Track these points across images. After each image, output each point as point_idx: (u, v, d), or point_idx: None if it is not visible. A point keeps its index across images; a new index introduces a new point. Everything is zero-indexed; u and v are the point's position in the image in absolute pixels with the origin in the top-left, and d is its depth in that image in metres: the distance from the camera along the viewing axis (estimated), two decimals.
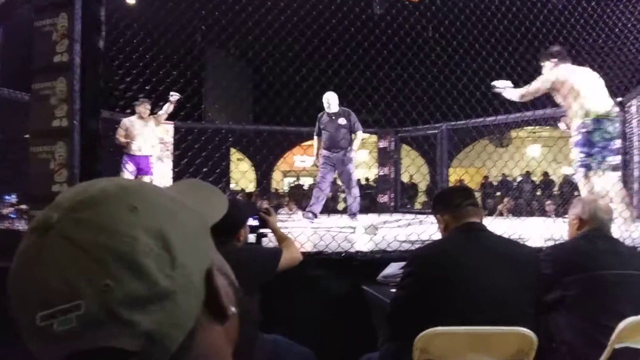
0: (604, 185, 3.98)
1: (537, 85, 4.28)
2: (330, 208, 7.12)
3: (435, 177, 8.59)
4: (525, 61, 5.14)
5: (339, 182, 7.06)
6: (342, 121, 5.75)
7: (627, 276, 2.05)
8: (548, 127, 11.65)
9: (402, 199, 9.69)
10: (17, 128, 5.11)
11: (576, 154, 4.00)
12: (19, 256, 0.45)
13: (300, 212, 8.14)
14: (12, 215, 5.64)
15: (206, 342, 0.48)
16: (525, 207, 9.30)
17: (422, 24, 5.65)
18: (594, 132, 3.95)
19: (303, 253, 2.52)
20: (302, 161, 15.07)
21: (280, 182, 15.01)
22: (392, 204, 8.88)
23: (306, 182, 14.94)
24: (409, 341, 1.72)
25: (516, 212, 8.57)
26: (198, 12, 5.78)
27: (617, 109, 4.23)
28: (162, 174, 6.94)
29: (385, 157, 8.96)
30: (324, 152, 5.78)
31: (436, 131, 8.13)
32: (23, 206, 5.51)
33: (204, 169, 5.71)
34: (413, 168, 5.48)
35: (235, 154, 11.53)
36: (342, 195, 9.59)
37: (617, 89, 6.14)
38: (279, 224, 2.67)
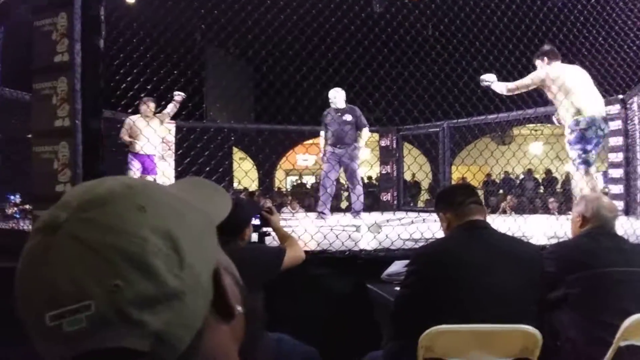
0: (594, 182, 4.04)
1: (526, 82, 4.40)
2: (333, 206, 7.13)
3: (438, 175, 8.58)
4: (525, 58, 5.12)
5: (342, 180, 7.08)
6: (347, 117, 5.78)
7: (631, 273, 2.05)
8: (550, 125, 11.62)
9: (405, 197, 9.67)
10: (19, 128, 5.11)
11: (573, 153, 4.03)
12: (26, 256, 0.45)
13: (302, 211, 8.16)
14: (16, 215, 5.65)
15: (213, 342, 0.48)
16: (528, 204, 9.29)
17: (422, 22, 5.64)
18: (588, 129, 3.99)
19: (307, 252, 2.52)
20: (304, 160, 15.05)
21: (283, 181, 14.99)
22: (395, 202, 8.87)
23: (309, 180, 14.92)
24: (413, 339, 1.71)
25: (519, 209, 8.55)
26: (197, 11, 5.78)
27: (606, 107, 4.28)
28: (164, 173, 6.93)
29: (387, 156, 8.94)
30: (329, 148, 5.82)
31: (438, 129, 8.11)
32: (27, 206, 5.52)
33: (207, 168, 5.71)
34: (415, 166, 5.48)
35: (237, 153, 11.52)
36: (345, 194, 9.59)
37: (619, 86, 6.12)
38: (282, 223, 2.67)
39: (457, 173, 10.05)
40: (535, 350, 1.70)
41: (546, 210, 8.37)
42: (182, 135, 7.53)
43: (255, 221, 2.59)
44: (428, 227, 3.94)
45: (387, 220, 5.83)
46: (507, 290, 1.82)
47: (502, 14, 5.21)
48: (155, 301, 0.42)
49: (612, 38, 5.70)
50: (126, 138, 6.01)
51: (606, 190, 6.74)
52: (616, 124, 6.57)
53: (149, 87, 4.83)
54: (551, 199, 8.73)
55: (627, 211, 6.25)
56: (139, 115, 6.01)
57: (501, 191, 10.66)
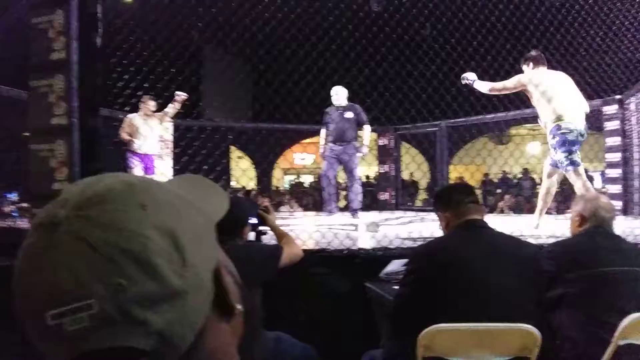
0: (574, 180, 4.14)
1: (508, 84, 4.47)
2: None
3: (436, 174, 8.59)
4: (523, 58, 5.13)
5: (339, 179, 7.09)
6: (349, 114, 5.83)
7: (629, 273, 2.05)
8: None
9: (403, 196, 9.68)
10: (15, 125, 5.09)
11: (560, 156, 4.10)
12: (26, 253, 0.44)
13: (300, 210, 8.16)
14: (14, 214, 5.64)
15: (214, 340, 0.48)
16: (526, 204, 9.31)
17: (420, 21, 5.64)
18: (569, 133, 4.09)
19: (305, 251, 2.51)
20: (302, 159, 15.07)
21: (281, 179, 15.00)
22: (393, 201, 8.88)
23: (306, 179, 14.93)
24: (411, 338, 1.71)
25: (517, 209, 8.58)
26: (195, 9, 5.76)
27: (604, 108, 4.32)
28: (162, 172, 6.91)
29: (385, 155, 8.95)
30: (329, 145, 5.85)
31: (435, 129, 8.12)
32: (24, 204, 5.50)
33: (204, 167, 5.70)
34: (413, 165, 5.50)
35: (235, 152, 11.52)
36: (344, 193, 9.60)
37: (616, 86, 6.14)
38: (280, 222, 2.66)
39: (455, 172, 10.07)
40: (534, 349, 1.70)
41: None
42: (179, 134, 7.51)
43: (253, 220, 2.58)
44: (426, 226, 3.95)
45: (385, 220, 5.83)
46: (505, 289, 1.82)
47: (500, 13, 5.22)
48: (159, 300, 0.42)
49: (610, 38, 5.71)
50: (125, 136, 6.00)
51: (604, 190, 6.75)
52: (614, 124, 6.59)
53: (146, 85, 4.82)
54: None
55: (625, 211, 6.27)
56: (139, 114, 6.00)
57: (499, 190, 10.69)
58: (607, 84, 6.01)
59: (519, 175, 11.52)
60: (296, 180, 15.14)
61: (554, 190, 4.48)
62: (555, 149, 4.18)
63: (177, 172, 7.27)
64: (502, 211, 8.59)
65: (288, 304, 2.76)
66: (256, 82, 11.74)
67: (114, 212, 0.43)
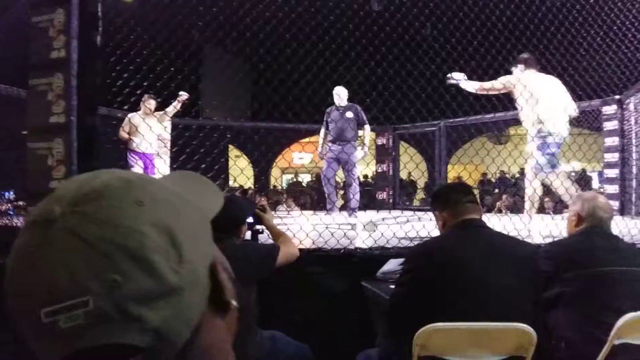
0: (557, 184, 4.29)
1: (497, 84, 4.56)
2: None
3: (434, 174, 8.58)
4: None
5: (338, 179, 7.11)
6: (349, 115, 5.94)
7: (626, 273, 2.06)
8: None
9: (401, 195, 9.68)
10: (14, 124, 5.08)
11: (543, 159, 4.18)
12: (19, 250, 0.43)
13: (298, 209, 8.16)
14: (10, 212, 5.62)
15: (210, 337, 0.48)
16: (524, 204, 9.29)
17: (420, 21, 5.63)
18: (549, 136, 4.22)
19: (302, 250, 2.52)
20: (300, 158, 15.04)
21: (279, 179, 14.97)
22: (391, 200, 8.88)
23: (305, 178, 14.92)
24: (407, 337, 1.71)
25: (514, 209, 8.57)
26: (195, 8, 5.76)
27: (603, 108, 4.36)
28: (159, 171, 6.91)
29: (383, 154, 8.95)
30: (329, 144, 5.91)
31: (434, 128, 8.12)
32: (21, 202, 5.49)
33: (202, 166, 5.70)
34: (411, 165, 5.51)
35: (233, 151, 11.49)
36: (341, 192, 9.60)
37: (616, 86, 6.14)
38: (278, 221, 2.66)
39: (453, 172, 10.06)
40: (529, 348, 1.70)
41: (542, 210, 8.38)
42: (177, 133, 7.51)
43: (249, 219, 2.58)
44: (423, 225, 3.95)
45: (383, 219, 5.83)
46: (502, 289, 1.82)
47: (500, 12, 5.22)
48: (155, 297, 0.42)
49: (609, 38, 5.71)
50: (125, 135, 6.01)
51: (602, 190, 6.76)
52: (613, 124, 6.60)
53: (145, 84, 4.81)
54: (546, 199, 8.74)
55: (623, 211, 6.27)
56: (140, 112, 5.99)
57: (497, 190, 10.68)
58: (607, 84, 6.01)
59: (517, 175, 11.52)
60: (294, 180, 15.13)
61: (539, 190, 4.61)
62: (540, 150, 4.25)
63: (174, 170, 7.26)
64: (500, 211, 8.59)
65: (284, 303, 2.77)
66: (255, 81, 11.73)
67: (110, 208, 0.43)
